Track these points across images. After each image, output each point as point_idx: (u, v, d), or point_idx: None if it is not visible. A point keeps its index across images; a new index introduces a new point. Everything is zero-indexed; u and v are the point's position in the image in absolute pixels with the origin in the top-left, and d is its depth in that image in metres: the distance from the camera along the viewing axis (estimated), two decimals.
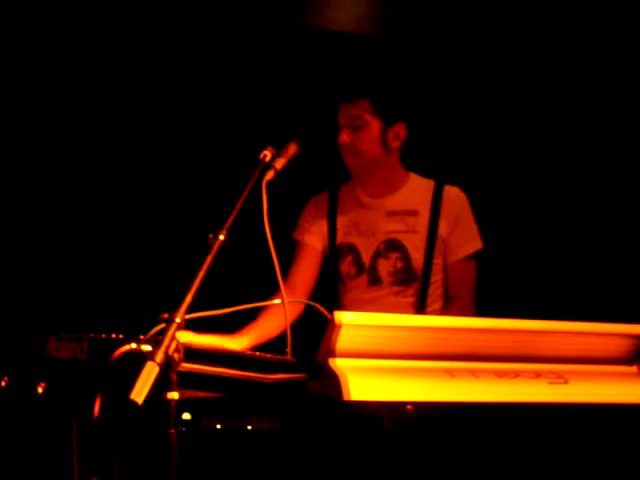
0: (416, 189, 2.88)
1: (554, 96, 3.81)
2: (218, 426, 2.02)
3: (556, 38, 3.75)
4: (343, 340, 1.89)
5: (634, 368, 2.22)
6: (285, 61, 3.80)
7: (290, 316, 2.28)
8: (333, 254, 2.87)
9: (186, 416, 2.01)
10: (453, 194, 2.86)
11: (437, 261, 2.83)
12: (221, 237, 2.00)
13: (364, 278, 2.84)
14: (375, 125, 2.78)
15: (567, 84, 3.79)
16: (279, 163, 2.28)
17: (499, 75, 3.83)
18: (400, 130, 2.82)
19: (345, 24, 3.90)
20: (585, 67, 3.76)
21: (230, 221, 2.04)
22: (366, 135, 2.78)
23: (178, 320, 1.78)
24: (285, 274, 2.72)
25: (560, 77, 3.80)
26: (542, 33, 3.76)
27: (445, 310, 2.83)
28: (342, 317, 1.88)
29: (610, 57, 3.73)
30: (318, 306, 2.09)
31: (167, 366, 1.72)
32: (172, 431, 1.74)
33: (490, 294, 3.01)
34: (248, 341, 2.59)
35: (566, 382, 2.07)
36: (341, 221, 2.88)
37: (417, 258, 2.81)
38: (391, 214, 2.85)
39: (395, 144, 2.83)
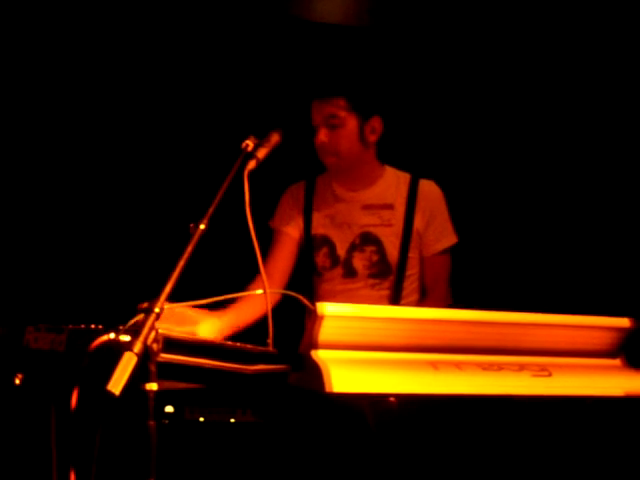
0: (392, 183, 2.88)
1: (526, 88, 3.82)
2: (201, 419, 2.00)
3: (530, 29, 3.76)
4: (325, 332, 1.87)
5: (617, 361, 2.22)
6: (268, 51, 3.79)
7: (264, 305, 2.25)
8: (308, 245, 2.87)
9: (169, 409, 1.99)
10: (428, 188, 2.87)
11: (412, 255, 2.83)
12: (202, 226, 1.97)
13: (339, 270, 2.84)
14: (352, 122, 2.76)
15: (538, 73, 3.81)
16: (261, 153, 2.25)
17: (473, 68, 3.84)
18: (376, 124, 2.81)
19: (330, 16, 3.89)
20: (556, 55, 3.78)
21: (211, 210, 2.02)
22: (344, 133, 2.76)
23: (157, 310, 1.76)
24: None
25: (531, 67, 3.81)
26: (516, 26, 3.77)
27: (421, 303, 2.83)
28: (324, 308, 1.86)
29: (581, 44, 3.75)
30: (300, 297, 2.07)
31: (146, 357, 1.70)
32: (151, 423, 1.71)
33: (471, 287, 3.02)
34: (226, 324, 2.54)
35: (550, 375, 2.06)
36: (317, 212, 2.88)
37: (392, 252, 2.82)
38: (367, 207, 2.85)
39: (372, 138, 2.82)
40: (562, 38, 3.76)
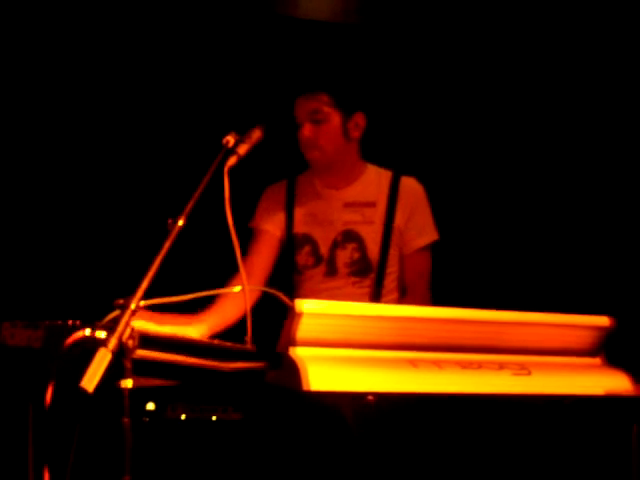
0: (373, 180, 2.88)
1: (510, 83, 3.83)
2: (182, 417, 1.99)
3: (513, 25, 3.77)
4: (303, 329, 1.86)
5: (597, 360, 2.21)
6: (251, 47, 3.77)
7: (242, 307, 2.24)
8: (290, 244, 2.86)
9: (150, 406, 1.97)
10: (409, 185, 2.87)
11: (393, 252, 2.83)
12: (180, 222, 1.96)
13: (321, 269, 2.83)
14: (335, 117, 2.77)
15: (521, 67, 3.81)
16: (242, 149, 2.23)
17: (456, 65, 3.84)
18: (359, 120, 2.81)
19: (316, 13, 3.88)
20: (538, 46, 3.79)
21: (190, 206, 2.00)
22: (327, 128, 2.76)
23: (133, 306, 1.74)
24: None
25: (514, 60, 3.82)
26: (500, 20, 3.77)
27: (401, 301, 2.84)
28: (303, 305, 1.85)
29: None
30: (279, 294, 2.05)
31: (121, 353, 1.68)
32: (125, 420, 1.70)
33: (451, 286, 3.01)
34: (207, 327, 2.54)
35: (529, 373, 2.06)
36: (299, 211, 2.87)
37: (373, 249, 2.82)
38: (349, 205, 2.84)
39: (355, 134, 2.82)
40: (545, 28, 3.76)
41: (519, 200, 3.81)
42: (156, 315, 2.25)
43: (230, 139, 2.22)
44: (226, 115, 3.50)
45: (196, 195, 2.03)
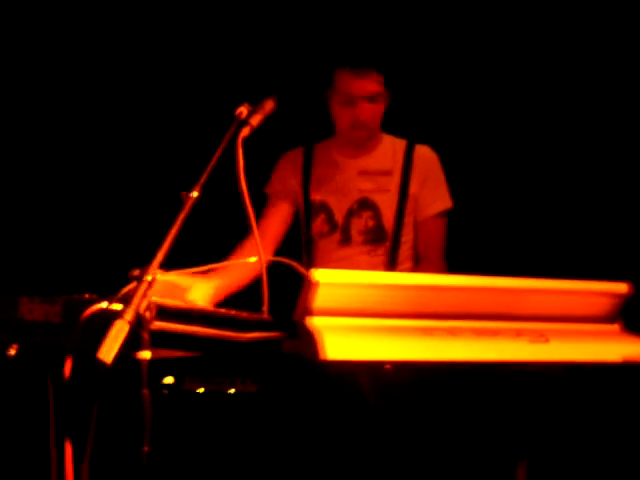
0: (389, 149, 2.90)
1: (527, 62, 3.79)
2: (200, 390, 2.00)
3: (527, 18, 3.73)
4: (320, 299, 1.85)
5: (616, 326, 2.20)
6: (264, 18, 3.75)
7: (256, 269, 2.24)
8: (306, 211, 2.88)
9: (168, 379, 1.98)
10: (424, 153, 2.90)
11: (408, 220, 2.85)
12: (194, 194, 1.96)
13: (336, 236, 2.85)
14: (385, 97, 2.81)
15: (538, 48, 3.77)
16: (255, 120, 2.22)
17: (471, 37, 3.80)
18: (389, 95, 2.84)
19: None
20: (558, 48, 3.75)
21: (204, 178, 2.00)
22: (380, 109, 2.81)
23: (149, 278, 1.74)
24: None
25: (531, 41, 3.77)
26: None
27: (416, 269, 2.84)
28: (318, 275, 1.85)
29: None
30: (294, 264, 2.05)
31: (138, 325, 1.69)
32: (145, 391, 1.71)
33: (467, 253, 3.01)
34: (219, 283, 2.53)
35: (547, 341, 2.05)
36: (315, 179, 2.89)
37: (388, 217, 2.84)
38: (364, 173, 2.87)
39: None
40: (562, 20, 3.72)
41: (534, 167, 3.79)
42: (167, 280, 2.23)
43: (243, 110, 2.21)
44: (239, 86, 3.49)
45: (210, 166, 2.03)
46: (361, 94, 2.76)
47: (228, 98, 2.33)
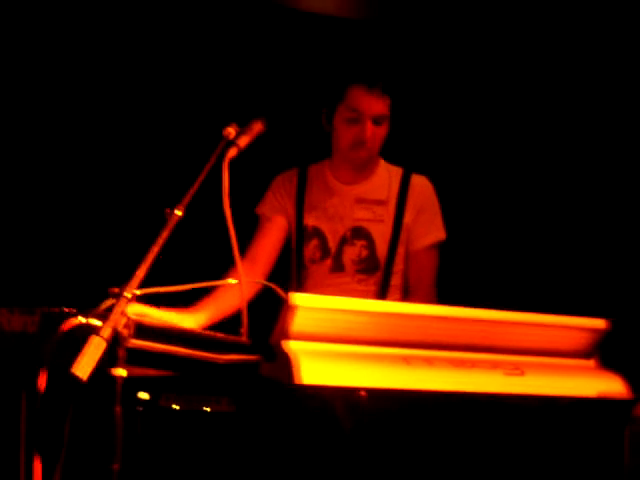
0: (385, 177, 2.87)
1: (521, 85, 3.82)
2: (176, 407, 1.99)
3: (526, 21, 3.76)
4: (297, 322, 1.86)
5: (591, 362, 2.21)
6: (256, 39, 3.76)
7: (248, 293, 2.24)
8: (298, 235, 2.85)
9: (144, 395, 1.97)
10: (420, 183, 2.86)
11: (401, 251, 2.82)
12: (178, 212, 1.96)
13: (328, 263, 2.82)
14: (388, 124, 2.78)
15: (533, 69, 3.80)
16: (243, 141, 2.23)
17: (468, 65, 3.83)
18: (390, 122, 2.82)
19: (320, 6, 3.86)
20: (552, 51, 3.78)
21: (189, 197, 2.00)
22: (384, 131, 2.77)
23: (129, 295, 1.74)
24: (243, 252, 2.68)
25: (526, 62, 3.81)
26: (512, 19, 3.76)
27: (406, 299, 2.81)
28: (297, 299, 1.85)
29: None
30: (274, 286, 2.05)
31: (115, 342, 1.68)
32: (117, 408, 1.70)
33: (451, 285, 3.00)
34: (205, 317, 2.54)
35: (522, 374, 2.06)
36: (309, 203, 2.85)
37: (382, 247, 2.80)
38: (360, 202, 2.83)
39: None
40: (561, 36, 3.75)
41: (518, 203, 3.81)
42: (151, 307, 2.24)
43: (231, 131, 2.22)
44: (227, 106, 3.50)
45: (195, 186, 2.03)
46: (370, 113, 2.73)
47: (217, 117, 2.33)
